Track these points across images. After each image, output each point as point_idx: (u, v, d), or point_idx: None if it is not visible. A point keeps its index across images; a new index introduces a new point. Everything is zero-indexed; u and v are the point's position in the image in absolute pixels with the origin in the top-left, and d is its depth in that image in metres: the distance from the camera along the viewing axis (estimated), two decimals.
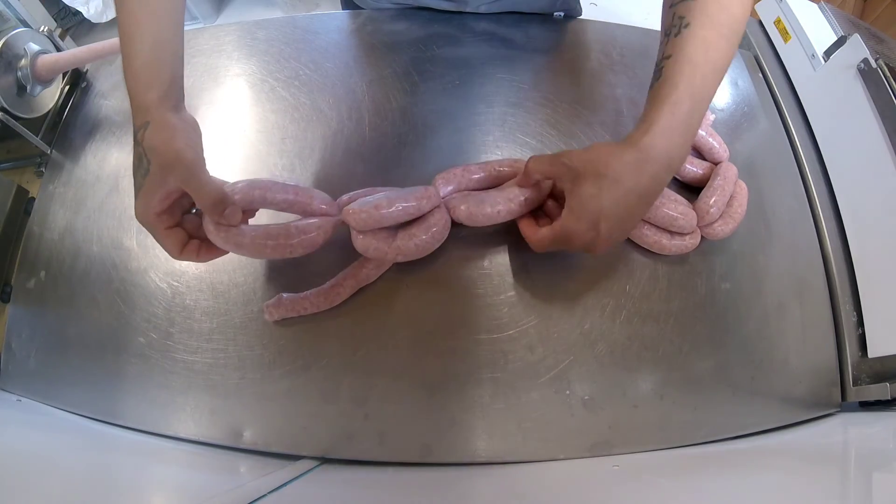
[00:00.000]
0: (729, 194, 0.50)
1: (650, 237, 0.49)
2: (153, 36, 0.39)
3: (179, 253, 0.40)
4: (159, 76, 0.39)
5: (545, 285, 0.48)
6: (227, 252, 0.42)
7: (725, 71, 0.39)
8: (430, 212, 0.45)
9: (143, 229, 0.51)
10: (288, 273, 0.49)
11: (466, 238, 0.49)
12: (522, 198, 0.45)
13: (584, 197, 0.37)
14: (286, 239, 0.42)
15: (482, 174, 0.48)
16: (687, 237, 0.49)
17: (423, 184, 0.47)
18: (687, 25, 0.38)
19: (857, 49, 0.55)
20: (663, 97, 0.37)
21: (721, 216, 0.50)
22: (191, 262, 0.50)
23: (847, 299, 0.52)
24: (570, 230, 0.39)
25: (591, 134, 0.56)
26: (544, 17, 0.67)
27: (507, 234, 0.50)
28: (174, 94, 0.40)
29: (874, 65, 0.53)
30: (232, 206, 0.39)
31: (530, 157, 0.42)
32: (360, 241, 0.43)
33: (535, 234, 0.43)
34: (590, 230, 0.38)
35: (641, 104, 0.58)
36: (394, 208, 0.42)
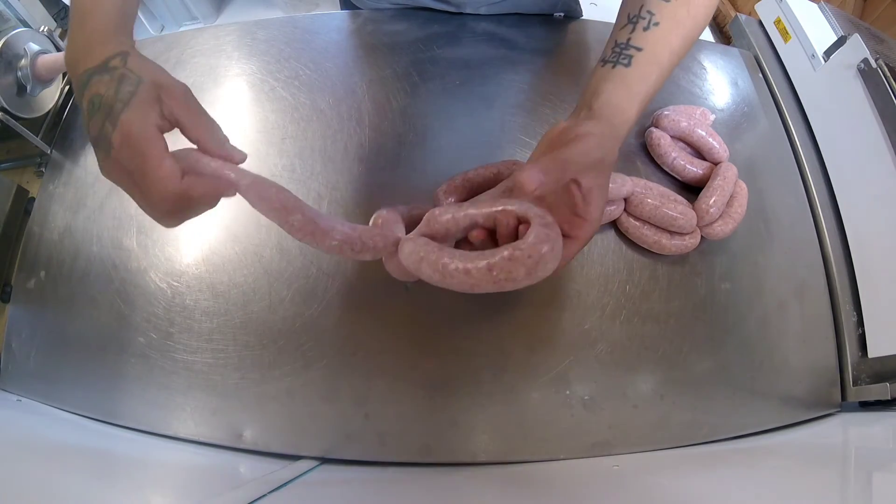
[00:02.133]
0: (729, 194, 0.50)
1: (650, 237, 0.49)
2: None
3: (179, 182, 0.31)
4: (125, 19, 0.36)
5: (545, 285, 0.48)
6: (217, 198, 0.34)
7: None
8: None
9: (143, 230, 0.51)
10: (290, 275, 0.49)
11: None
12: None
13: (600, 189, 0.35)
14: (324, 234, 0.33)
15: (482, 179, 0.48)
16: (687, 237, 0.49)
17: (423, 186, 0.47)
18: (657, 24, 0.38)
19: (857, 49, 0.55)
20: (638, 93, 0.38)
21: (721, 216, 0.50)
22: (191, 263, 0.50)
23: (847, 299, 0.52)
24: (595, 226, 0.36)
25: None
26: (545, 18, 0.67)
27: None
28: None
29: (874, 65, 0.53)
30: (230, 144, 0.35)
31: (520, 173, 0.33)
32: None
33: (567, 255, 0.36)
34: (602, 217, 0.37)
35: None
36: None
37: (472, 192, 0.47)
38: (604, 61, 0.39)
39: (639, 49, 0.38)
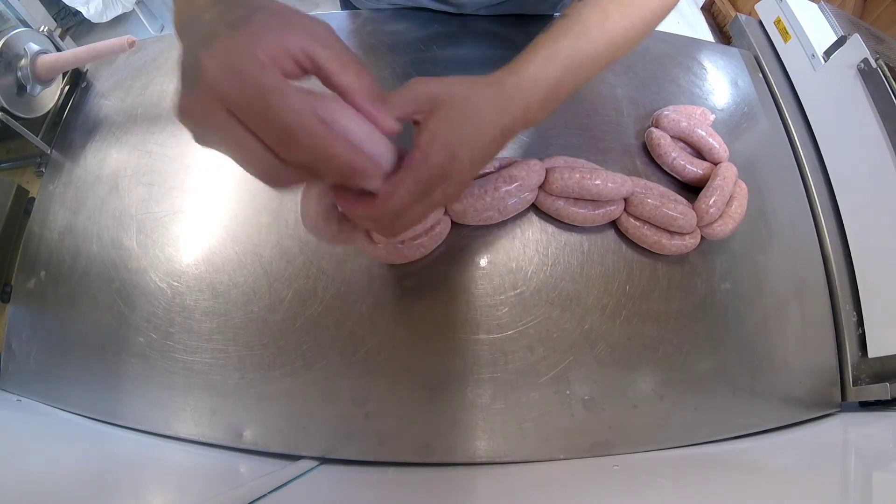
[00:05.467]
0: (728, 194, 0.50)
1: (650, 237, 0.49)
2: None
3: (314, 119, 0.23)
4: None
5: (545, 285, 0.48)
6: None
7: (622, 52, 0.37)
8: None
9: (143, 229, 0.50)
10: (290, 275, 0.49)
11: (467, 237, 0.49)
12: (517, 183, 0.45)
13: (447, 121, 0.30)
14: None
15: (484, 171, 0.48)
16: (687, 237, 0.49)
17: None
18: None
19: (857, 49, 0.55)
20: (539, 46, 0.35)
21: (721, 216, 0.50)
22: (191, 263, 0.50)
23: (847, 299, 0.52)
24: (431, 161, 0.29)
25: (590, 134, 0.56)
26: (545, 18, 0.67)
27: (507, 233, 0.50)
28: None
29: (874, 65, 0.53)
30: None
31: (389, 95, 0.30)
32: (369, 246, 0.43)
33: (388, 191, 0.28)
34: (450, 160, 0.30)
35: (641, 104, 0.59)
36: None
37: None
38: None
39: (564, 16, 0.37)
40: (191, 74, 0.22)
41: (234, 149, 0.23)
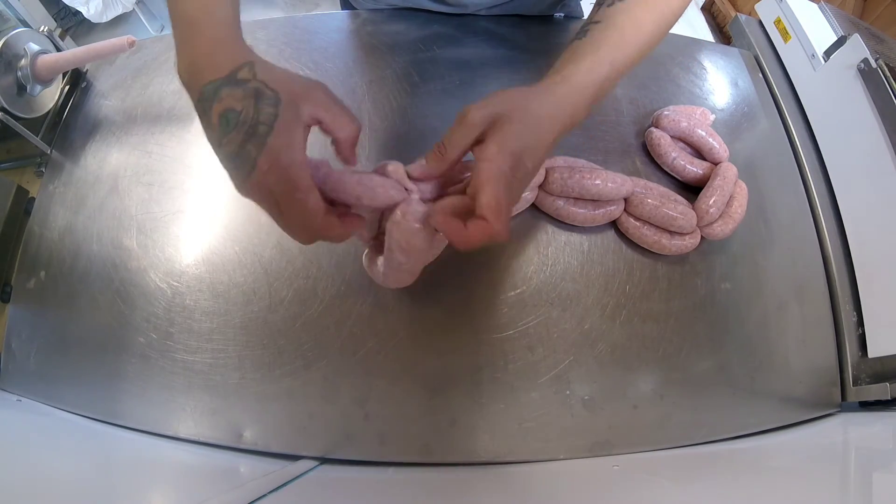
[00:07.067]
0: (729, 194, 0.50)
1: (650, 237, 0.49)
2: None
3: (322, 217, 0.32)
4: (238, 27, 0.37)
5: (545, 285, 0.48)
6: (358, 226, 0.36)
7: (646, 55, 0.39)
8: None
9: (143, 230, 0.51)
10: (290, 275, 0.49)
11: None
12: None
13: (511, 133, 0.34)
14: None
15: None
16: (687, 237, 0.49)
17: None
18: (621, 0, 0.38)
19: (857, 49, 0.55)
20: (583, 55, 0.37)
21: (721, 216, 0.50)
22: (191, 263, 0.50)
23: (847, 299, 0.52)
24: (502, 170, 0.34)
25: (590, 134, 0.56)
26: (545, 18, 0.67)
27: None
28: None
29: (874, 65, 0.53)
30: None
31: (457, 128, 0.36)
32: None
33: (495, 210, 0.34)
34: (518, 167, 0.34)
35: (641, 104, 0.59)
36: None
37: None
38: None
39: (597, 22, 0.38)
40: (246, 167, 0.30)
41: (272, 213, 0.32)
